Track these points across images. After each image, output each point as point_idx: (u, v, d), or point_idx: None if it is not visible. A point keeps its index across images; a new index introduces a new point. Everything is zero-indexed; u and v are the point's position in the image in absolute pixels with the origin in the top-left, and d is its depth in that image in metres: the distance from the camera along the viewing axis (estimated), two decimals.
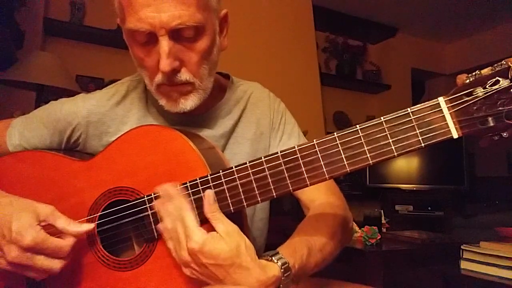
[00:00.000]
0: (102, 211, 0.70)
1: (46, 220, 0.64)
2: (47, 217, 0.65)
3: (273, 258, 0.60)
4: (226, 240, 0.58)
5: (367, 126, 0.56)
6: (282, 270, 0.59)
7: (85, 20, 2.69)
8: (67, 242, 0.64)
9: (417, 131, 0.54)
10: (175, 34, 0.67)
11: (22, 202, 0.66)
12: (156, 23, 0.64)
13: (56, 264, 0.63)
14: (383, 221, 2.03)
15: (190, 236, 0.58)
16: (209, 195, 0.61)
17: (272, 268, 0.59)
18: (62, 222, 0.65)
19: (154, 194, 0.66)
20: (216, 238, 0.58)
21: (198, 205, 0.62)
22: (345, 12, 3.70)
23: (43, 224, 0.64)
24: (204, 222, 0.61)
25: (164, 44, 0.66)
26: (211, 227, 0.60)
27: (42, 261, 0.62)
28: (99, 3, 2.74)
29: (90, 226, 0.67)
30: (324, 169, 0.57)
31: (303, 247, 0.65)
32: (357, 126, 0.56)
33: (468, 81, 0.52)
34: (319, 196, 0.81)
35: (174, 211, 0.61)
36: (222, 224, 0.60)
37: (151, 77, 0.72)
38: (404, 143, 0.54)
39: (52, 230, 0.65)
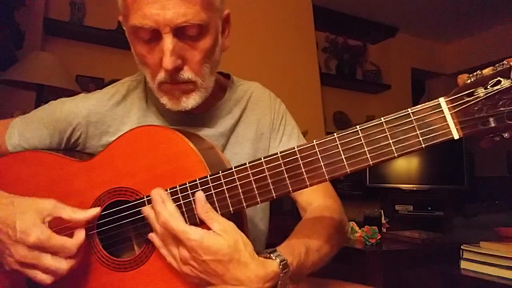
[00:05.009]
0: (102, 211, 0.70)
1: (50, 214, 0.64)
2: (51, 211, 0.64)
3: (272, 255, 0.60)
4: (223, 237, 0.58)
5: (367, 127, 0.56)
6: (280, 267, 0.59)
7: (85, 20, 2.69)
8: (73, 241, 0.64)
9: (418, 132, 0.54)
10: (179, 32, 0.67)
11: (23, 201, 0.66)
12: (161, 20, 0.64)
13: (63, 264, 0.63)
14: (383, 221, 2.03)
15: (186, 235, 0.58)
16: (199, 197, 0.61)
17: (271, 264, 0.59)
18: (67, 212, 0.65)
19: None
20: (213, 234, 0.59)
21: (195, 207, 0.62)
22: (345, 12, 3.69)
23: (48, 219, 0.64)
24: (201, 223, 0.61)
25: (168, 41, 0.66)
26: (208, 227, 0.60)
27: (49, 261, 0.62)
28: (99, 3, 2.74)
29: (96, 210, 0.67)
30: (324, 170, 0.57)
31: (301, 247, 0.65)
32: (357, 126, 0.56)
33: (469, 81, 0.52)
34: (316, 199, 0.82)
35: (163, 214, 0.61)
36: (217, 222, 0.60)
37: (153, 75, 0.72)
38: (405, 144, 0.54)
39: (58, 228, 0.65)
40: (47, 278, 0.63)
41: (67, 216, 0.65)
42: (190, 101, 0.73)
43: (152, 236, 0.65)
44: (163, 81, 0.71)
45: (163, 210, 0.61)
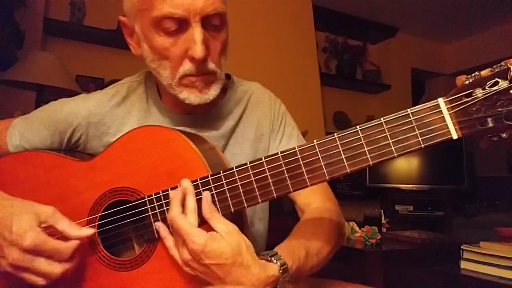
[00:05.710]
0: (103, 211, 0.70)
1: (47, 221, 0.64)
2: (48, 218, 0.64)
3: (272, 258, 0.61)
4: (226, 239, 0.58)
5: (367, 127, 0.56)
6: (280, 271, 0.59)
7: (85, 20, 2.69)
8: (68, 245, 0.64)
9: (417, 132, 0.54)
10: (204, 22, 0.68)
11: (23, 203, 0.66)
12: (192, 9, 0.66)
13: (56, 268, 0.63)
14: (383, 221, 2.03)
15: (190, 237, 0.58)
16: (207, 197, 0.62)
17: (272, 268, 0.59)
18: (63, 224, 0.65)
19: (154, 195, 0.66)
20: (217, 237, 0.59)
21: (198, 206, 0.62)
22: (345, 12, 3.69)
23: (44, 226, 0.64)
24: (204, 223, 0.62)
25: (198, 30, 0.67)
26: (210, 227, 0.61)
27: (42, 264, 0.62)
28: (99, 3, 2.74)
29: (91, 231, 0.67)
30: (324, 170, 0.58)
31: (301, 250, 0.66)
32: (357, 126, 0.57)
33: (467, 82, 0.53)
34: (315, 201, 0.82)
35: (172, 211, 0.62)
36: (221, 223, 0.60)
37: (174, 68, 0.72)
38: (404, 144, 0.54)
39: (53, 230, 0.65)
40: (40, 280, 0.63)
41: (61, 228, 0.65)
42: (211, 93, 0.74)
43: (158, 224, 0.65)
44: (187, 74, 0.71)
45: (174, 207, 0.61)
